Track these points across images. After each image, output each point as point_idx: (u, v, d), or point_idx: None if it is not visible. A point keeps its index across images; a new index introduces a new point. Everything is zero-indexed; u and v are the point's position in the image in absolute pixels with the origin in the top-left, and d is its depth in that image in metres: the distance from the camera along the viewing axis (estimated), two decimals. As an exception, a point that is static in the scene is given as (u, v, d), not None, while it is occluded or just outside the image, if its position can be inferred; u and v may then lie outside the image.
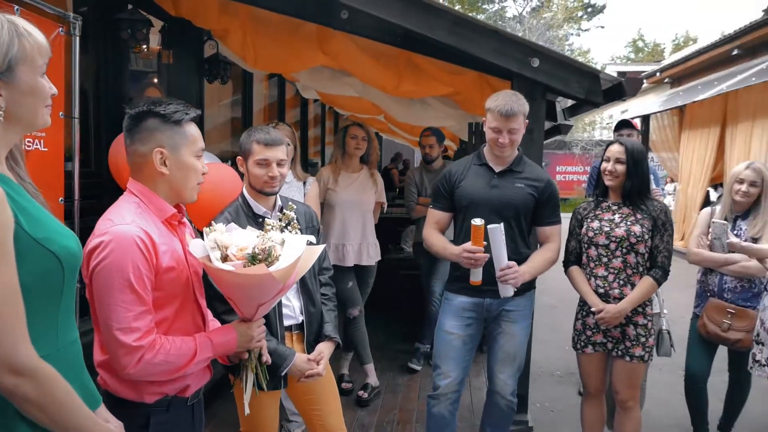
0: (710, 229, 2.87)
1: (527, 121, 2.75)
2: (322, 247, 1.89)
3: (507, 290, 2.64)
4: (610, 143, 2.93)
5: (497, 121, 2.63)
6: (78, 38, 2.43)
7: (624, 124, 4.07)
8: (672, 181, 12.47)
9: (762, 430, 3.59)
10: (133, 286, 1.49)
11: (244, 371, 1.92)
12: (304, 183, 3.44)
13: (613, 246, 2.79)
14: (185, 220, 1.76)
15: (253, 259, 1.62)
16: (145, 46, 3.46)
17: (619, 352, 2.81)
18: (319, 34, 3.44)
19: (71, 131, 2.47)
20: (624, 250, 2.78)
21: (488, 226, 2.54)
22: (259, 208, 2.25)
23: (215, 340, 1.68)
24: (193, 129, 1.66)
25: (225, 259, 1.63)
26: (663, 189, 4.00)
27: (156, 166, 1.60)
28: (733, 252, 2.88)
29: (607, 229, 2.81)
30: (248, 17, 3.38)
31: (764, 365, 2.78)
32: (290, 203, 2.15)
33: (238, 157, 2.28)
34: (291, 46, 3.49)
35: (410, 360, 4.51)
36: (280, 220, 1.82)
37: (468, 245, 2.59)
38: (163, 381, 1.61)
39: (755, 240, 3.05)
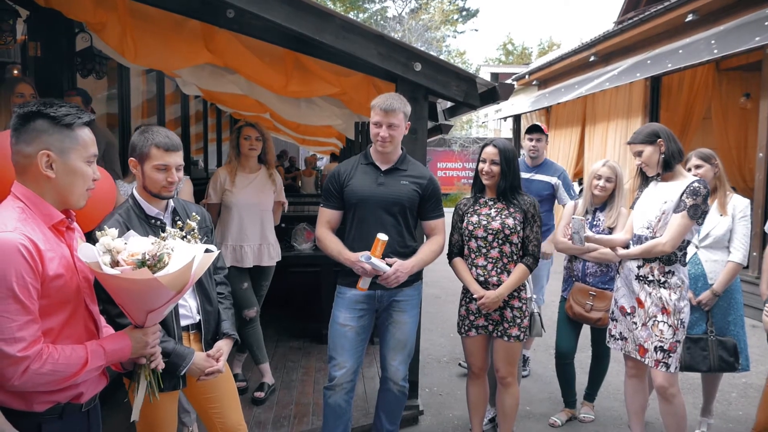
0: (570, 224, 3.19)
1: (409, 123, 2.92)
2: (216, 253, 1.86)
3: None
4: (485, 145, 3.15)
5: (378, 115, 2.80)
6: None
7: (535, 129, 4.41)
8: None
9: (620, 396, 4.04)
10: (17, 296, 1.44)
11: (137, 378, 1.89)
12: None
13: (490, 238, 3.04)
14: (74, 225, 1.71)
15: (142, 264, 1.61)
16: (11, 38, 3.22)
17: (499, 333, 3.07)
18: (204, 32, 3.38)
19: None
20: (500, 241, 3.03)
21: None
22: (151, 209, 2.20)
23: (108, 347, 1.65)
24: (85, 134, 1.62)
25: (116, 264, 1.61)
26: (575, 194, 4.31)
27: (41, 169, 1.55)
28: (590, 243, 3.23)
29: (485, 222, 3.05)
30: (127, 11, 3.24)
31: (618, 339, 3.15)
32: (194, 213, 2.09)
33: (131, 158, 2.19)
34: (174, 43, 3.39)
35: None
36: (181, 228, 1.79)
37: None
38: (53, 390, 1.56)
39: (611, 229, 3.44)
